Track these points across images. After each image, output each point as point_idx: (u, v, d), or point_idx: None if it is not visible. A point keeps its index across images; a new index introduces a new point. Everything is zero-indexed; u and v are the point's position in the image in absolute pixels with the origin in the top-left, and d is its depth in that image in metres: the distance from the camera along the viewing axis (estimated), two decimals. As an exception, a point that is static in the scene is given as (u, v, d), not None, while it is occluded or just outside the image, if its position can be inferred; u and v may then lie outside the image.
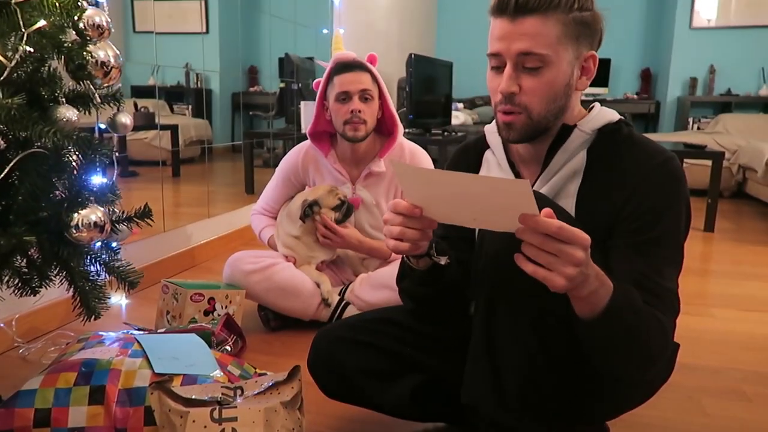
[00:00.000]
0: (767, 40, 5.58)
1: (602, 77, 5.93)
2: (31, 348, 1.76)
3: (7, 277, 1.16)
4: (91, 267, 1.23)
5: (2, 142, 1.09)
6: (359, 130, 1.90)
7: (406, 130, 3.27)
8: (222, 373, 1.28)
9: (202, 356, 1.32)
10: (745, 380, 1.65)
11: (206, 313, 1.81)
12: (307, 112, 3.36)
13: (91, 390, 1.17)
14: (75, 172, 1.15)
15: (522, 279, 0.78)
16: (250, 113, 5.63)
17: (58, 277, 1.21)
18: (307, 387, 1.16)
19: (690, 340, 1.65)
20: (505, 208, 0.75)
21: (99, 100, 1.17)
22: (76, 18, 1.09)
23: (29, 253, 1.15)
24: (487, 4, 0.97)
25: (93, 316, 1.22)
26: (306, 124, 3.25)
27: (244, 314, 1.91)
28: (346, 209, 1.95)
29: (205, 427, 1.02)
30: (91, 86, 1.14)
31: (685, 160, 3.97)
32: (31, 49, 1.01)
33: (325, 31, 4.31)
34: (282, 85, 4.17)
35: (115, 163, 1.21)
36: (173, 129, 3.74)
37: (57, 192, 1.15)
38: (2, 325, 1.72)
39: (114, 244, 1.26)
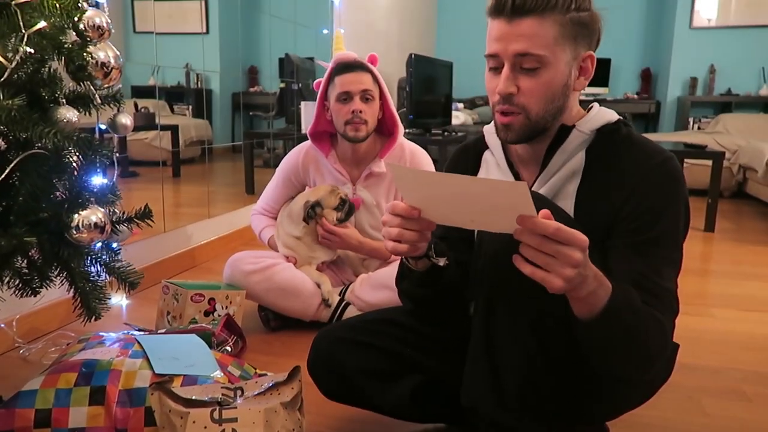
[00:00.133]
0: (767, 40, 5.58)
1: (602, 77, 5.92)
2: (31, 348, 1.76)
3: (7, 278, 1.17)
4: (92, 267, 1.23)
5: (3, 143, 1.09)
6: (360, 131, 1.90)
7: (406, 130, 3.26)
8: (222, 374, 1.28)
9: (202, 357, 1.32)
10: (745, 380, 1.65)
11: (206, 313, 1.81)
12: (308, 112, 3.36)
13: (91, 390, 1.17)
14: (75, 172, 1.15)
15: (521, 279, 0.78)
16: (251, 113, 5.63)
17: (58, 277, 1.21)
18: (307, 387, 1.16)
19: (690, 340, 1.65)
20: (503, 210, 0.75)
21: (99, 100, 1.17)
22: (76, 19, 1.09)
23: (30, 253, 1.16)
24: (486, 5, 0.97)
25: (93, 317, 1.22)
26: (306, 124, 3.26)
27: (245, 315, 1.91)
28: (348, 208, 1.95)
29: (206, 427, 1.02)
30: (92, 87, 1.14)
31: (685, 160, 3.96)
32: (32, 50, 1.01)
33: (325, 31, 4.31)
34: (282, 85, 4.18)
35: (116, 164, 1.20)
36: (173, 129, 3.75)
37: (57, 193, 1.15)
38: (3, 325, 1.73)
39: (114, 245, 1.27)
